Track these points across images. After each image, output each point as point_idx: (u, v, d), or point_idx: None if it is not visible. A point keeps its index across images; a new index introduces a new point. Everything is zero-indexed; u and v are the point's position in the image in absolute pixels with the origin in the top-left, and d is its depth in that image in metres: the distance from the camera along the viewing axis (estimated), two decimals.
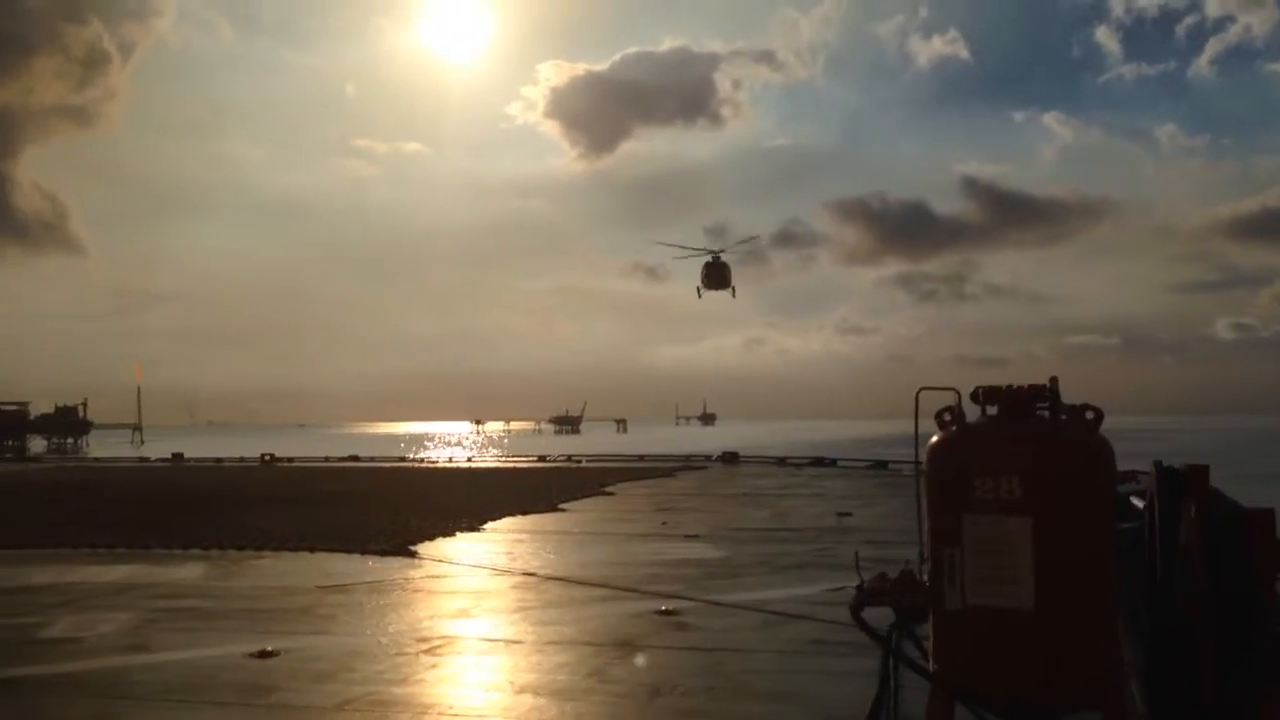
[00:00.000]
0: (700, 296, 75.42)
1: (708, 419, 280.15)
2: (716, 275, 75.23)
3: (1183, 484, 4.74)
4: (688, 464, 42.30)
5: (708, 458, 44.35)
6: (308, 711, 7.97)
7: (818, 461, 40.18)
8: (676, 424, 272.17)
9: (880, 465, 36.53)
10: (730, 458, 42.98)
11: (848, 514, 21.32)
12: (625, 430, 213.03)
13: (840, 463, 39.01)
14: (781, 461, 41.61)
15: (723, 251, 76.16)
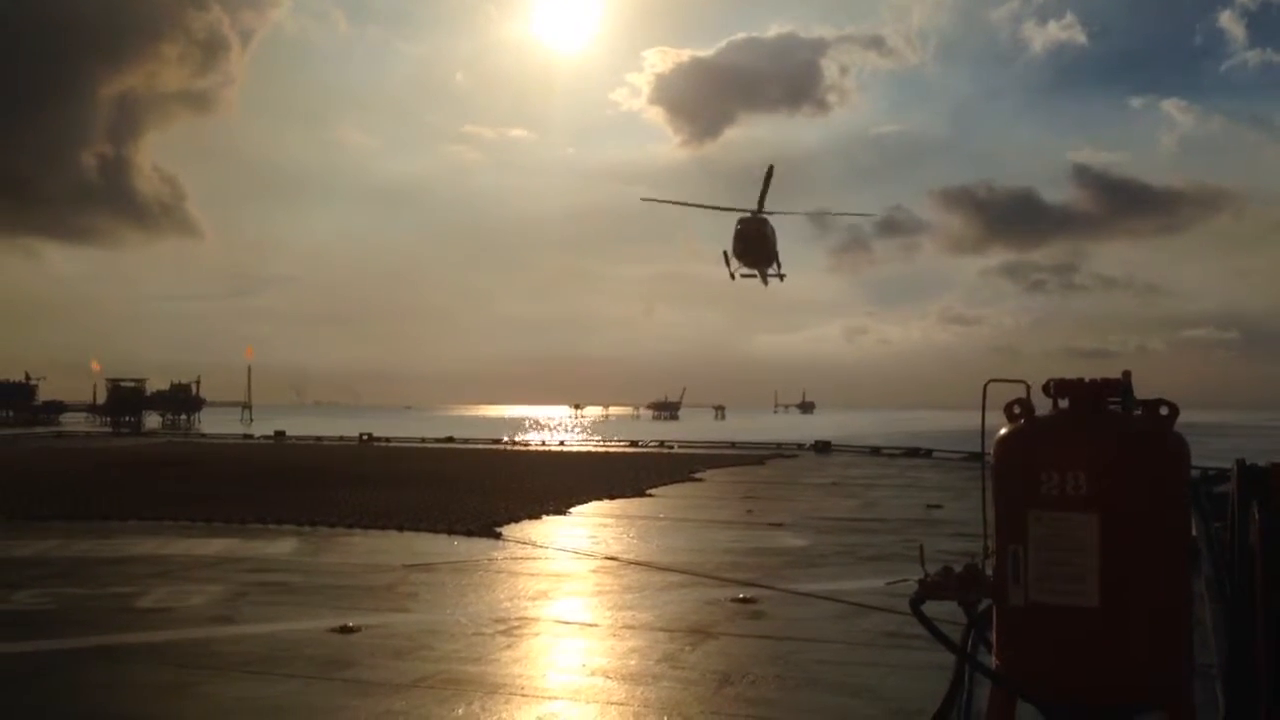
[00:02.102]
0: (732, 274, 57.08)
1: (806, 407, 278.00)
2: (752, 242, 55.92)
3: (1260, 483, 4.55)
4: (779, 452, 42.05)
5: (800, 446, 44.01)
6: (382, 687, 8.11)
7: (913, 452, 39.60)
8: (775, 412, 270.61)
9: (976, 457, 35.65)
10: (823, 446, 42.60)
11: (938, 506, 20.98)
12: (723, 417, 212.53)
13: (935, 454, 38.35)
14: (875, 451, 41.12)
15: (761, 211, 56.28)
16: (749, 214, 56.32)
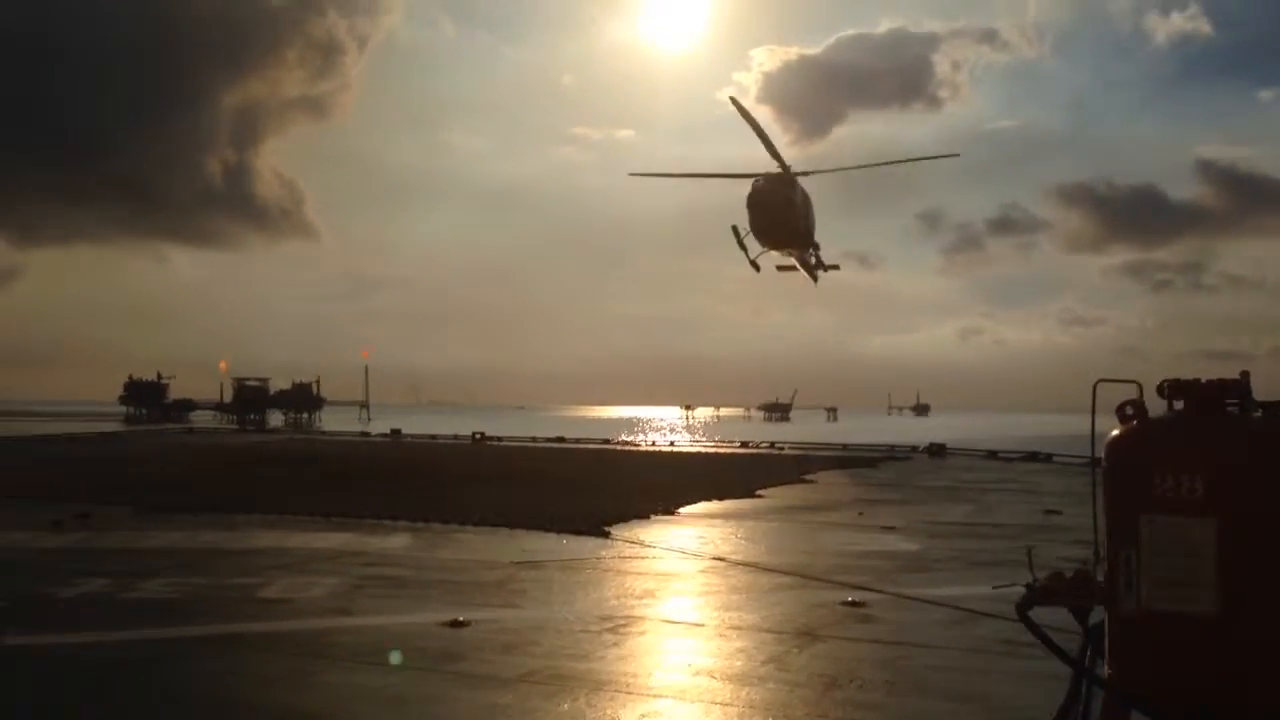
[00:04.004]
0: (754, 262, 42.02)
1: (921, 409, 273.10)
2: (775, 211, 39.78)
3: None
4: (891, 454, 41.49)
5: (914, 449, 43.32)
6: (489, 681, 8.25)
7: (1031, 456, 38.61)
8: (889, 414, 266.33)
9: (1099, 462, 34.65)
10: (937, 449, 41.86)
11: (1057, 512, 20.41)
12: (835, 419, 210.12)
13: (1056, 458, 37.33)
14: (992, 455, 40.21)
15: (790, 170, 40.42)
16: (765, 174, 39.92)
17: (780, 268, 44.93)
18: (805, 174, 41.20)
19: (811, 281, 46.46)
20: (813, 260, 44.88)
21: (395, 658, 8.77)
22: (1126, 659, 4.55)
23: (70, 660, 8.85)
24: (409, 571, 13.38)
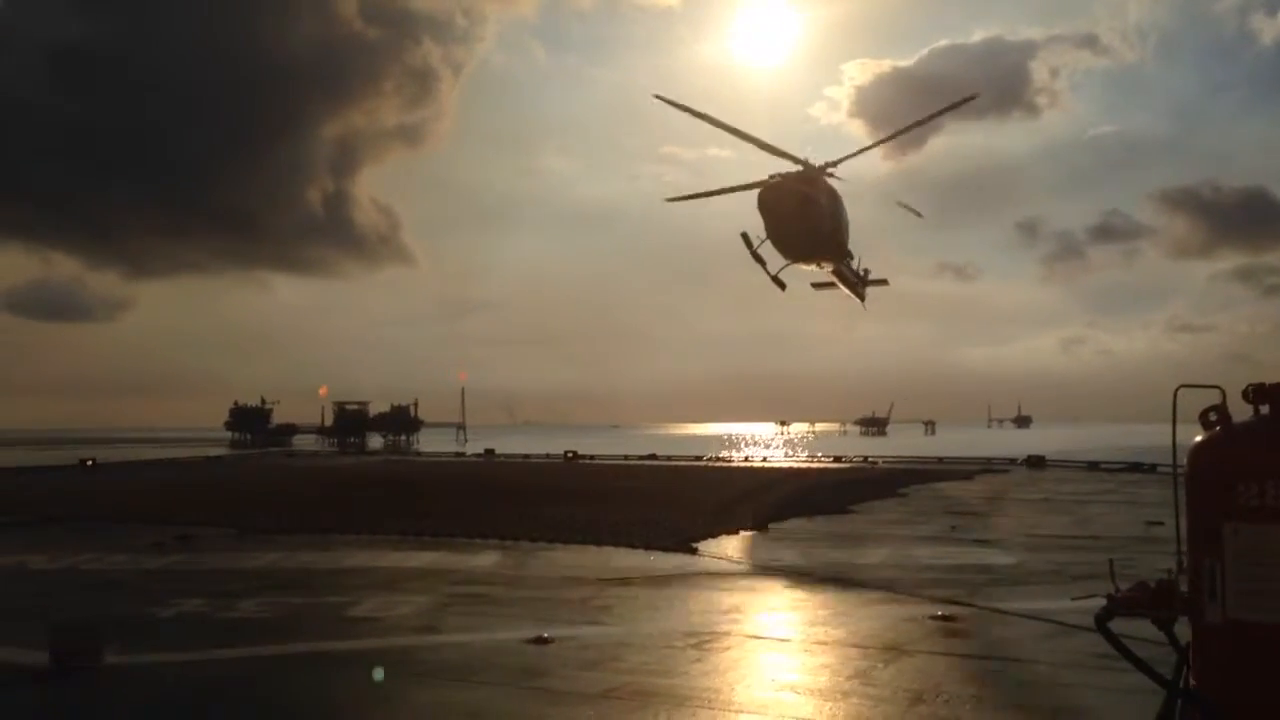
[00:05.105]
0: (775, 278, 33.68)
1: (1022, 421, 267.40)
2: (791, 221, 32.16)
3: None
4: (989, 467, 40.74)
5: (1012, 461, 42.44)
6: (572, 697, 8.26)
7: (1134, 467, 37.61)
8: (989, 426, 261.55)
9: (1182, 470, 33.52)
10: (1036, 461, 40.99)
11: (1159, 523, 19.75)
12: (933, 432, 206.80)
13: (1160, 468, 36.26)
14: (1093, 466, 39.25)
15: (811, 165, 32.48)
16: (781, 174, 32.52)
17: (816, 285, 38.24)
18: (832, 165, 33.00)
19: (859, 302, 39.83)
20: (854, 275, 37.77)
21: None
22: (1211, 671, 4.38)
23: (167, 679, 9.10)
24: (496, 589, 13.49)
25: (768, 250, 33.27)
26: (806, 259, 34.59)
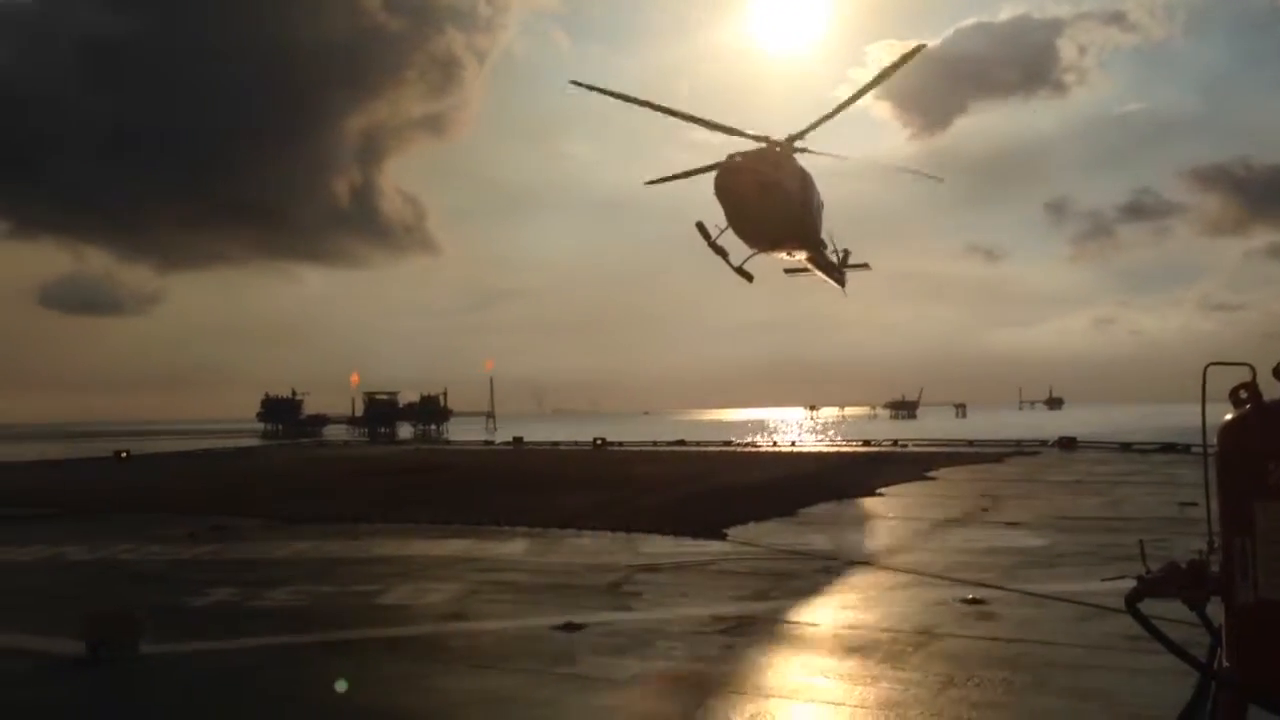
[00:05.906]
0: (739, 269, 31.69)
1: (1054, 403, 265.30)
2: (749, 205, 29.37)
3: None
4: (1019, 449, 40.44)
5: (1043, 443, 42.16)
6: (601, 683, 8.29)
7: (1168, 448, 37.20)
8: (1020, 409, 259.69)
9: (1213, 449, 33.14)
10: (1067, 443, 40.64)
11: (1192, 504, 19.58)
12: (964, 415, 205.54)
13: (1194, 449, 35.89)
14: (1126, 447, 38.89)
15: (774, 143, 30.00)
16: (740, 154, 29.46)
17: (789, 270, 36.11)
18: (797, 138, 29.98)
19: (839, 289, 37.53)
20: (831, 260, 35.17)
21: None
22: (1243, 651, 4.33)
23: (199, 667, 9.19)
24: (524, 576, 13.54)
25: (730, 240, 30.51)
26: (774, 247, 32.22)
